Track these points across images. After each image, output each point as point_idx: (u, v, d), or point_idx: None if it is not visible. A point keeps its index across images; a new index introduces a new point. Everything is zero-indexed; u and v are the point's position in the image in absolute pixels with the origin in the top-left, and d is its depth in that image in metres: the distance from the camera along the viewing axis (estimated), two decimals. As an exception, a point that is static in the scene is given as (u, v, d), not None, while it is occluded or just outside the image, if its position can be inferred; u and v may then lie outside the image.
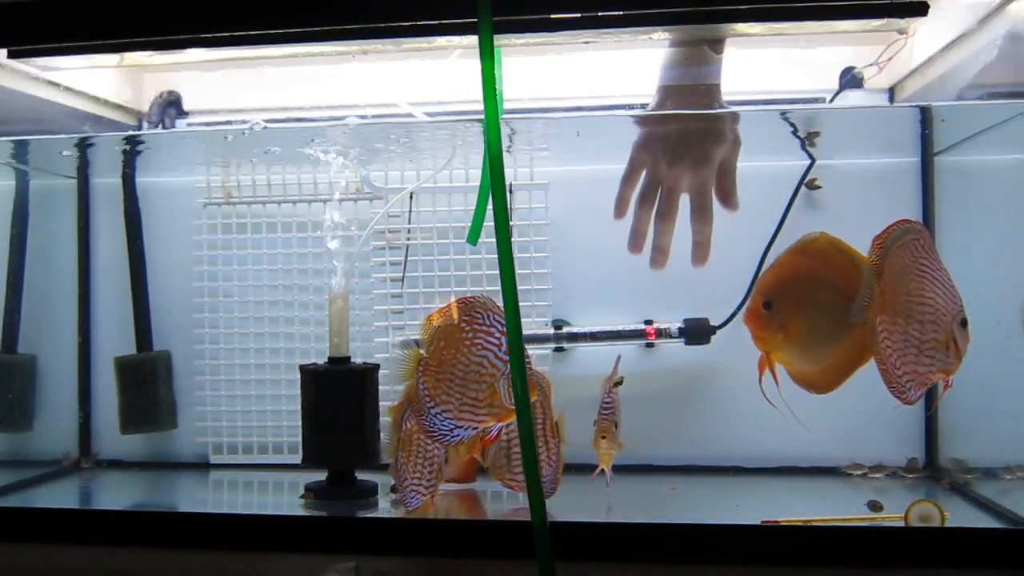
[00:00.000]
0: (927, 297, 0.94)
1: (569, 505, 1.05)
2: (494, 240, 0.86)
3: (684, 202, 1.14)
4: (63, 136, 1.24)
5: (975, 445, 1.24)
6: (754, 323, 0.98)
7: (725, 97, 1.27)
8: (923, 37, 1.16)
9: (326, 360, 1.18)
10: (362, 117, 1.14)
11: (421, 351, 1.03)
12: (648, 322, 1.31)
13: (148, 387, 1.37)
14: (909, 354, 0.94)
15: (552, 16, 0.94)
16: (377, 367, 1.18)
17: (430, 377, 1.00)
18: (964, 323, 0.95)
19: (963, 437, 1.26)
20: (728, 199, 1.13)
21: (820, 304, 0.98)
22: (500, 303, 0.88)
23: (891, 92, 1.31)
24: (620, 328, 1.31)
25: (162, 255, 1.41)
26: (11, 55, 1.06)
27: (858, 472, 1.27)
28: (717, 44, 1.06)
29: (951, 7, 1.05)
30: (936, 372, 0.95)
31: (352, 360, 1.19)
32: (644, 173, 1.14)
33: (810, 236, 1.01)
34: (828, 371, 0.99)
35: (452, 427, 1.00)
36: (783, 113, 1.17)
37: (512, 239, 0.88)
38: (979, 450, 1.23)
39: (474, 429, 1.00)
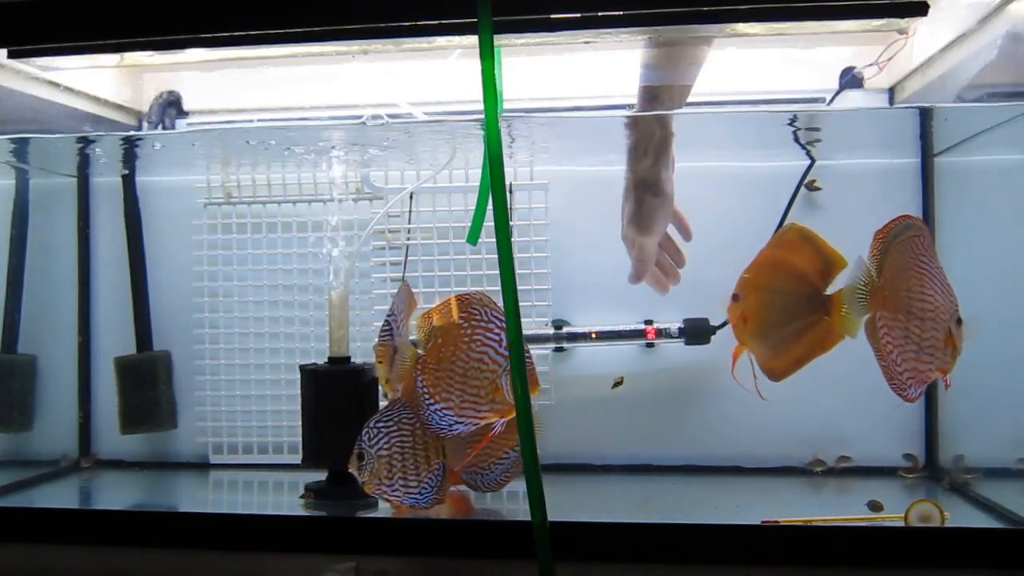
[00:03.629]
0: (927, 294, 0.94)
1: (569, 505, 1.04)
2: (494, 240, 0.86)
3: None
4: (63, 136, 1.24)
5: (975, 445, 1.24)
6: (729, 314, 1.01)
7: (726, 97, 1.28)
8: (923, 37, 1.15)
9: (326, 360, 1.18)
10: (357, 117, 1.14)
11: (418, 350, 1.03)
12: (648, 322, 1.31)
13: (148, 387, 1.37)
14: (909, 351, 0.94)
15: (552, 16, 0.94)
16: (377, 367, 1.18)
17: (429, 375, 1.00)
18: (960, 322, 0.95)
19: (963, 437, 1.26)
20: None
21: (781, 291, 1.00)
22: (499, 302, 0.88)
23: (891, 92, 1.30)
24: (620, 328, 1.31)
25: (162, 255, 1.41)
26: (11, 55, 1.06)
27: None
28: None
29: (951, 7, 1.05)
30: (934, 370, 0.95)
31: (352, 360, 1.18)
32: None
33: (783, 228, 1.03)
34: (782, 356, 1.00)
35: (452, 422, 1.00)
36: (786, 115, 1.17)
37: (512, 239, 0.88)
38: (979, 450, 1.23)
39: (475, 425, 1.00)
